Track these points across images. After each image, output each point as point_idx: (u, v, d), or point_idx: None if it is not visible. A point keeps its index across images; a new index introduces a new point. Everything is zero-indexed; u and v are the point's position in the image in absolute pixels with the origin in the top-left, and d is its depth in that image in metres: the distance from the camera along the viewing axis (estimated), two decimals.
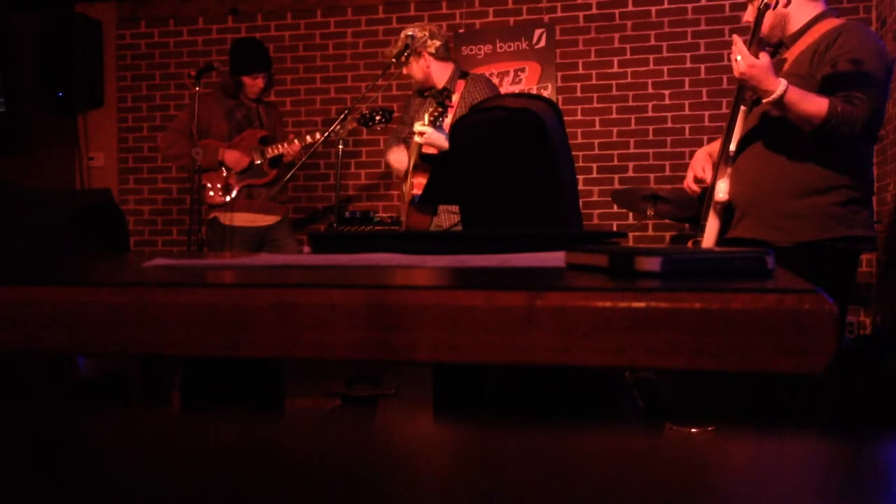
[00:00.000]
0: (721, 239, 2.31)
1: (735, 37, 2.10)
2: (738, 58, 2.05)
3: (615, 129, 4.59)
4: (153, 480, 0.23)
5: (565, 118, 1.83)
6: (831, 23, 2.21)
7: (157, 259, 0.89)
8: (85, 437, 0.28)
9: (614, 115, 4.59)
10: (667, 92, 4.50)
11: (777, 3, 2.12)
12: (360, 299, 0.55)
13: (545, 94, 4.57)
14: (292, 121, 4.88)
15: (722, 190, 2.27)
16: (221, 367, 1.37)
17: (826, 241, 2.15)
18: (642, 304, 0.51)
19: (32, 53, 5.11)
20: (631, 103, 4.56)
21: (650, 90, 4.54)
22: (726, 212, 2.30)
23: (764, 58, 2.04)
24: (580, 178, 4.47)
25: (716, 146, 2.49)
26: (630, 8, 4.56)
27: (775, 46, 2.34)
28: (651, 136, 4.50)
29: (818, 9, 2.25)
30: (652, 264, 0.62)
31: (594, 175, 4.60)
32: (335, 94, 4.95)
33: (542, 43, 4.66)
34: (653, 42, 4.51)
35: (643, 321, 0.50)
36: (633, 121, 4.56)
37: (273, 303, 0.56)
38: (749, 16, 2.33)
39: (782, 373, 0.49)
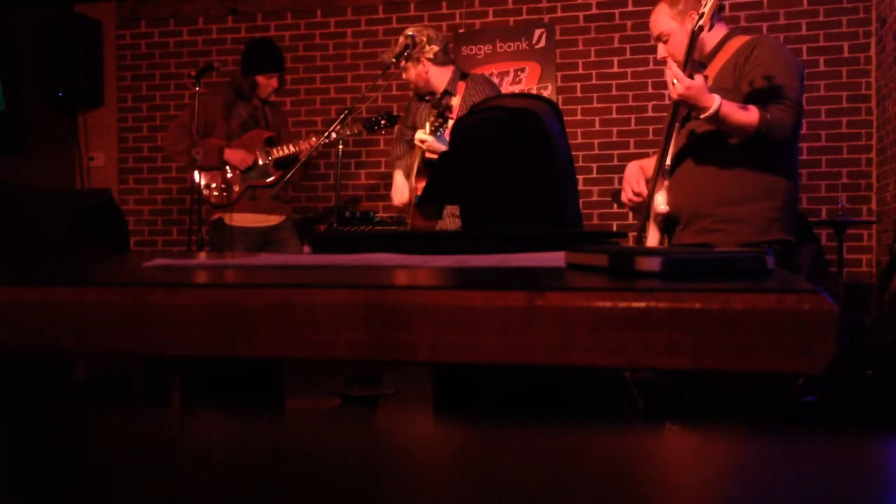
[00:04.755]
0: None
1: (669, 61, 2.24)
2: (675, 81, 2.18)
3: (615, 129, 4.59)
4: (153, 480, 0.23)
5: (565, 118, 1.83)
6: (741, 39, 2.41)
7: (157, 259, 0.89)
8: (85, 437, 0.28)
9: (614, 115, 4.59)
10: (666, 92, 4.50)
11: (711, 26, 2.30)
12: (360, 299, 0.55)
13: (545, 94, 4.57)
14: (292, 121, 4.88)
15: (661, 202, 2.41)
16: (221, 367, 1.37)
17: (765, 243, 2.28)
18: (642, 304, 0.51)
19: (32, 53, 5.11)
20: (631, 103, 4.56)
21: (650, 90, 4.54)
22: (666, 222, 2.44)
23: (698, 78, 2.18)
24: (580, 178, 4.47)
25: (646, 161, 2.64)
26: (630, 8, 4.56)
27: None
28: (651, 136, 4.50)
29: (724, 30, 2.47)
30: (652, 264, 0.62)
31: (594, 175, 4.60)
32: (335, 94, 4.95)
33: (542, 43, 4.66)
34: (653, 42, 4.50)
35: (643, 321, 0.50)
36: (633, 121, 4.56)
37: (273, 303, 0.56)
38: (662, 52, 2.56)
39: (782, 373, 0.49)
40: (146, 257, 0.99)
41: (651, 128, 4.51)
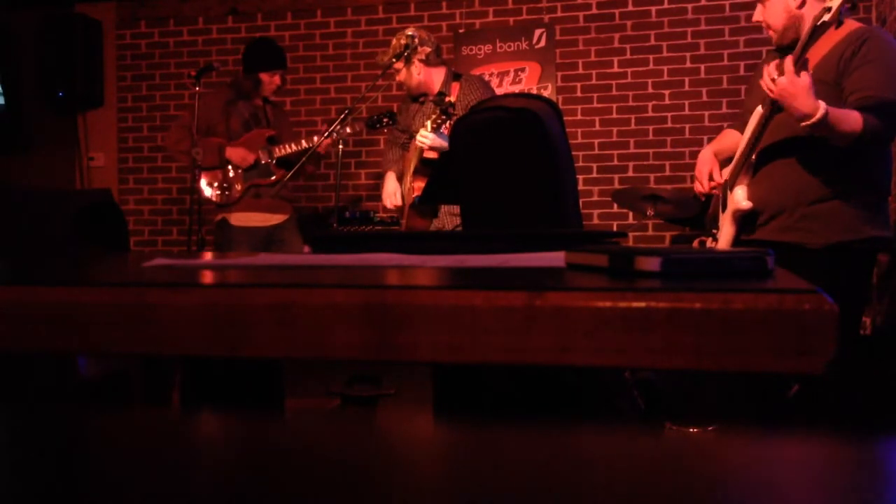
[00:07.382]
0: (737, 242, 2.31)
1: (788, 59, 2.04)
2: (776, 76, 2.01)
3: (615, 129, 4.58)
4: (153, 480, 0.23)
5: (565, 118, 1.83)
6: (850, 25, 2.20)
7: (157, 259, 0.89)
8: (85, 437, 0.28)
9: (614, 115, 4.58)
10: (667, 92, 4.50)
11: (840, 24, 2.07)
12: (360, 299, 0.55)
13: (545, 94, 4.57)
14: (292, 121, 4.87)
15: (742, 197, 2.27)
16: (221, 367, 1.37)
17: (854, 242, 2.18)
18: (642, 304, 0.51)
19: (32, 53, 5.11)
20: (631, 103, 4.56)
21: (650, 90, 4.54)
22: (743, 218, 2.30)
23: (804, 77, 2.00)
24: (580, 178, 4.47)
25: (718, 146, 2.50)
26: (630, 8, 4.56)
27: (789, 47, 2.27)
28: (651, 136, 4.50)
29: None
30: (652, 264, 0.62)
31: (594, 175, 4.60)
32: (335, 94, 4.95)
33: (542, 43, 4.66)
34: (653, 42, 4.51)
35: (643, 321, 0.50)
36: (633, 121, 4.56)
37: (273, 303, 0.56)
38: (759, 15, 2.32)
39: (782, 373, 0.49)
40: (146, 257, 0.99)
41: (651, 128, 4.51)
